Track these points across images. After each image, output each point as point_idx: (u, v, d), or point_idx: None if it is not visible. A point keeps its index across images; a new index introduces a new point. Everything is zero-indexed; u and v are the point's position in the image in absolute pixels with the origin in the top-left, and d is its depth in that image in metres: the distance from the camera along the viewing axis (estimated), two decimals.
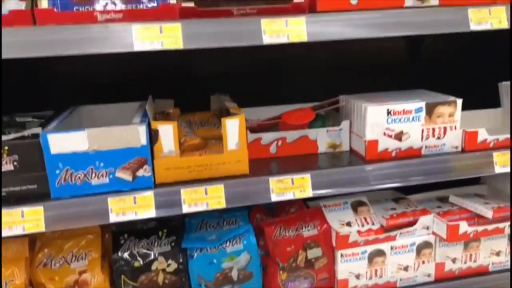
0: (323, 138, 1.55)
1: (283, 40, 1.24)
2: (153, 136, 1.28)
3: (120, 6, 1.18)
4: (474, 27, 1.34)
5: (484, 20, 1.35)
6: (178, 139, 1.34)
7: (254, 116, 1.69)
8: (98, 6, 1.17)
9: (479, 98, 1.70)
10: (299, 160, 1.50)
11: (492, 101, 1.77)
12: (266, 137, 1.51)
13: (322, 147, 1.56)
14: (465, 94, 1.59)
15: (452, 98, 1.48)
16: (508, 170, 1.49)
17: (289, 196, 1.34)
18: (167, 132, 1.28)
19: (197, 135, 1.46)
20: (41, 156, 1.22)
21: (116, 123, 1.28)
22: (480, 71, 1.96)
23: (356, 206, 1.59)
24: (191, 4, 1.22)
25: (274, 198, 1.33)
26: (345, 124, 1.55)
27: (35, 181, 1.24)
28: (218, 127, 1.52)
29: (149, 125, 1.29)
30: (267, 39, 1.23)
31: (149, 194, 1.27)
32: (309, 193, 1.36)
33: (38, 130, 1.27)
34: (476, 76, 1.91)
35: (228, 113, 1.41)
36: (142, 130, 1.25)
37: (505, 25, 1.36)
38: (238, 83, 1.83)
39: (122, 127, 1.25)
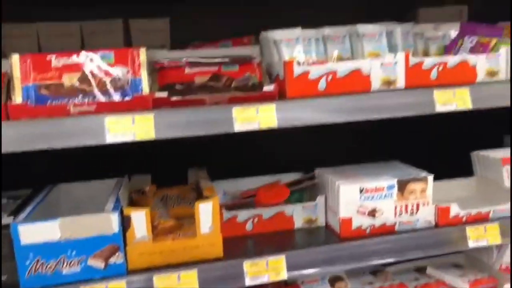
0: (299, 214, 1.56)
1: (254, 127, 1.27)
2: (125, 222, 1.29)
3: (93, 98, 1.21)
4: (439, 108, 1.39)
5: (449, 101, 1.40)
6: (152, 222, 1.34)
7: (233, 188, 1.70)
8: (72, 100, 1.20)
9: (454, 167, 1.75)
10: (275, 238, 1.50)
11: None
12: (242, 214, 1.52)
13: (298, 223, 1.56)
14: (441, 162, 1.64)
15: (423, 174, 1.51)
16: (482, 243, 1.51)
17: (263, 279, 1.34)
18: (140, 218, 1.29)
19: (172, 215, 1.46)
20: (11, 246, 1.21)
21: (93, 203, 1.28)
22: (455, 140, 2.01)
23: (333, 281, 1.58)
24: (164, 94, 1.25)
25: (248, 282, 1.32)
26: (320, 199, 1.57)
27: (5, 272, 1.23)
28: (193, 204, 1.53)
29: (122, 211, 1.30)
30: (238, 127, 1.26)
31: (121, 283, 1.26)
32: (284, 275, 1.35)
33: (9, 219, 1.27)
34: (450, 145, 1.97)
35: (201, 194, 1.43)
36: (114, 218, 1.26)
37: (469, 105, 1.41)
38: (216, 153, 1.86)
39: (95, 216, 1.25)
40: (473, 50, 1.53)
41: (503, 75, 1.49)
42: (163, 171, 1.71)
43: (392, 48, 1.51)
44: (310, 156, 1.82)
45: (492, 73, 1.48)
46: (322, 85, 1.34)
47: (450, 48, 1.58)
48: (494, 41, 1.52)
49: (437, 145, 2.09)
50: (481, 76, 1.47)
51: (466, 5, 2.08)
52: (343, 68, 1.35)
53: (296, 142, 1.92)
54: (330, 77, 1.34)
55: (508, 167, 1.65)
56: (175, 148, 1.85)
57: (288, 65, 1.32)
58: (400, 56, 1.39)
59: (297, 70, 1.31)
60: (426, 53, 1.62)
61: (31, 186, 1.62)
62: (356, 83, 1.36)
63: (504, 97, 1.45)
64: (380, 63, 1.37)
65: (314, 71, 1.33)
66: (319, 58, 1.46)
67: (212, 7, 2.12)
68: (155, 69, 1.36)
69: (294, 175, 1.73)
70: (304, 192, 1.68)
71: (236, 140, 1.92)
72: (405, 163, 1.66)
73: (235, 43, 1.63)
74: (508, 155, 1.67)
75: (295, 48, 1.41)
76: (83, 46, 1.97)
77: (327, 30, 1.49)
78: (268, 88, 1.30)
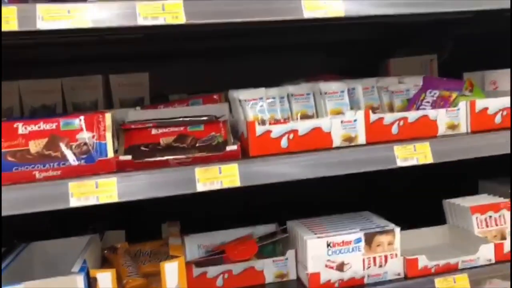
0: (270, 269, 1.57)
1: (217, 186, 1.30)
2: (92, 283, 1.30)
3: (59, 164, 1.25)
4: (400, 163, 1.42)
5: (410, 156, 1.43)
6: (120, 281, 1.36)
7: (208, 241, 1.71)
8: (38, 166, 1.24)
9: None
10: None
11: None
12: (212, 271, 1.53)
13: (269, 278, 1.57)
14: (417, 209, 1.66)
15: (390, 226, 1.53)
16: None
17: None
18: (106, 279, 1.30)
19: (142, 273, 1.48)
20: None
21: (65, 262, 1.29)
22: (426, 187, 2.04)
23: None
24: (128, 157, 1.29)
25: None
26: (290, 253, 1.58)
27: None
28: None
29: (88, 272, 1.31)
30: (201, 187, 1.29)
31: None
32: None
33: None
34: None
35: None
36: (80, 280, 1.27)
37: (430, 159, 1.44)
38: (193, 206, 1.88)
39: (60, 278, 1.27)
40: (434, 104, 1.58)
41: (463, 128, 1.53)
42: (139, 225, 1.74)
43: (355, 104, 1.55)
44: (286, 206, 1.85)
45: (452, 127, 1.52)
46: (284, 143, 1.38)
47: (412, 101, 1.63)
48: (454, 95, 1.58)
49: (414, 192, 2.11)
50: (442, 130, 1.51)
51: (436, 54, 2.15)
52: (304, 126, 1.39)
53: (272, 192, 1.94)
54: (291, 135, 1.38)
55: (478, 215, 1.67)
56: (151, 202, 1.89)
57: (250, 125, 1.36)
58: (360, 113, 1.43)
59: (259, 129, 1.36)
60: (390, 107, 1.67)
61: (6, 244, 1.64)
62: (318, 141, 1.40)
63: (465, 150, 1.49)
64: (340, 121, 1.42)
65: (276, 130, 1.37)
66: (284, 115, 1.50)
67: (189, 63, 2.21)
68: (122, 130, 1.40)
69: (269, 227, 1.74)
70: (277, 244, 1.69)
71: (213, 192, 1.96)
72: (376, 214, 1.68)
73: (205, 100, 1.68)
74: (478, 203, 1.69)
75: (260, 107, 1.46)
76: (64, 101, 2.04)
77: (291, 88, 1.54)
78: (231, 147, 1.34)
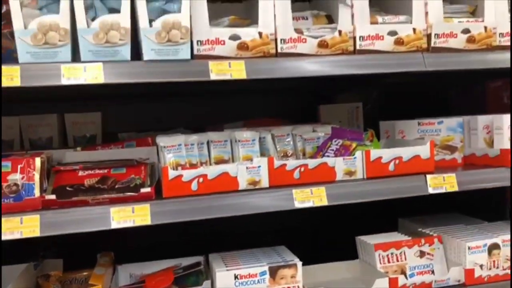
0: None
1: (129, 224, 1.49)
2: None
3: None
4: (298, 205, 1.61)
5: (307, 199, 1.63)
6: None
7: (139, 271, 1.88)
8: None
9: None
10: None
11: None
12: None
13: None
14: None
15: (294, 261, 1.71)
16: None
17: None
18: None
19: None
20: None
21: None
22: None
23: None
24: (53, 197, 1.48)
25: None
26: (207, 283, 1.75)
27: None
28: None
29: None
30: (115, 224, 1.48)
31: None
32: None
33: None
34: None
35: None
36: None
37: (325, 202, 1.63)
38: (128, 237, 2.05)
39: None
40: (337, 152, 1.78)
41: (360, 174, 1.73)
42: (79, 254, 1.91)
43: (266, 151, 1.76)
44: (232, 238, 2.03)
45: (350, 173, 1.72)
46: (194, 186, 1.57)
47: (320, 149, 1.83)
48: (354, 144, 1.78)
49: (342, 230, 2.30)
50: (340, 175, 1.71)
51: (361, 102, 2.38)
52: (212, 171, 1.59)
53: (219, 224, 2.13)
54: (201, 179, 1.58)
55: (381, 251, 1.86)
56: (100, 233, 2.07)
57: (163, 170, 1.56)
58: (263, 160, 1.64)
59: (171, 174, 1.55)
60: (303, 152, 1.87)
61: None
62: (225, 184, 1.60)
63: (360, 194, 1.69)
64: (245, 167, 1.62)
65: (186, 175, 1.57)
66: (202, 160, 1.70)
67: (138, 103, 2.42)
68: (53, 172, 1.59)
69: (195, 259, 1.92)
70: (201, 275, 1.86)
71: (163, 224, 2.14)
72: (290, 249, 1.86)
73: (139, 143, 1.87)
74: (382, 241, 1.88)
75: (178, 153, 1.66)
76: (21, 137, 2.23)
77: (211, 135, 1.74)
78: (145, 189, 1.53)
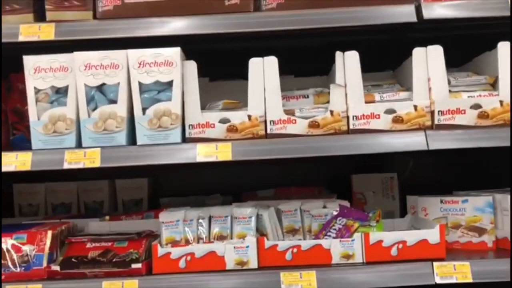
0: None
1: None
2: None
3: (5, 270, 1.64)
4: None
5: (295, 282, 1.59)
6: None
7: None
8: None
9: None
10: None
11: None
12: None
13: None
14: None
15: None
16: None
17: None
18: None
19: None
20: None
21: None
22: None
23: None
24: (57, 268, 1.64)
25: None
26: None
27: None
28: None
29: None
30: None
31: None
32: None
33: None
34: None
35: None
36: None
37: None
38: None
39: None
40: (338, 232, 1.72)
41: (359, 258, 1.64)
42: None
43: (263, 229, 1.76)
44: None
45: (347, 256, 1.64)
46: (182, 264, 1.63)
47: (324, 227, 1.78)
48: (356, 225, 1.71)
49: None
50: (336, 259, 1.64)
51: (395, 173, 2.26)
52: (200, 250, 1.64)
53: None
54: (189, 257, 1.63)
55: None
56: None
57: (154, 247, 1.64)
58: (251, 240, 1.64)
59: (160, 251, 1.64)
60: (310, 229, 1.83)
61: None
62: (212, 263, 1.63)
63: (356, 281, 1.60)
64: (233, 246, 1.64)
65: (175, 253, 1.63)
66: (201, 235, 1.76)
67: (183, 170, 2.57)
68: (66, 242, 1.77)
69: None
70: None
71: None
72: None
73: (156, 214, 1.99)
74: None
75: (175, 229, 1.73)
76: (79, 200, 2.51)
77: (213, 211, 1.80)
78: (136, 265, 1.63)
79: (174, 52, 1.62)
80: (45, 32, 1.62)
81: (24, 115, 1.82)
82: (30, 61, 1.63)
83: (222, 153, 1.60)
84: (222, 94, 1.77)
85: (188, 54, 1.73)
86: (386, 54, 2.05)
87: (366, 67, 1.68)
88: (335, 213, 1.84)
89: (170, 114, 1.61)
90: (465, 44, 1.89)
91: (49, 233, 1.71)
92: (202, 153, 1.61)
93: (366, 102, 1.64)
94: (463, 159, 2.18)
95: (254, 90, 1.65)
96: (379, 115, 1.62)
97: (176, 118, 1.61)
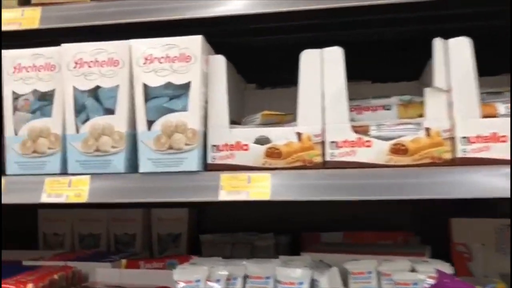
0: None
1: None
2: None
3: None
4: None
5: None
6: None
7: None
8: None
9: None
10: None
11: None
12: None
13: None
14: None
15: None
16: None
17: None
18: None
19: None
20: None
21: None
22: None
23: None
24: None
25: None
26: None
27: None
28: None
29: None
30: None
31: None
32: None
33: None
34: None
35: None
36: None
37: None
38: None
39: None
40: None
41: None
42: None
43: None
44: None
45: None
46: None
47: None
48: None
49: None
50: None
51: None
52: None
53: None
54: None
55: None
56: None
57: None
58: None
59: None
60: None
61: None
62: None
63: None
64: None
65: None
66: None
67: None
68: None
69: None
70: None
71: None
72: None
73: (180, 260, 1.52)
74: None
75: None
76: (109, 232, 2.11)
77: (250, 268, 1.28)
78: None
79: (193, 41, 1.13)
80: (29, 18, 1.20)
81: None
82: (8, 57, 1.22)
83: (257, 188, 1.08)
84: (273, 106, 1.25)
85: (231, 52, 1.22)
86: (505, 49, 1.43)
87: (479, 68, 1.09)
88: (429, 282, 1.24)
89: (185, 130, 1.12)
90: None
91: (30, 286, 1.28)
92: (227, 188, 1.09)
93: (484, 117, 1.04)
94: None
95: (307, 96, 1.11)
96: (505, 137, 1.01)
97: (193, 136, 1.12)
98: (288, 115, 1.17)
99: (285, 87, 1.41)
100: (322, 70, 1.11)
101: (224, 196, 1.08)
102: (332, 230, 1.83)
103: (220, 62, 1.16)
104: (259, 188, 1.07)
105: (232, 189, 1.08)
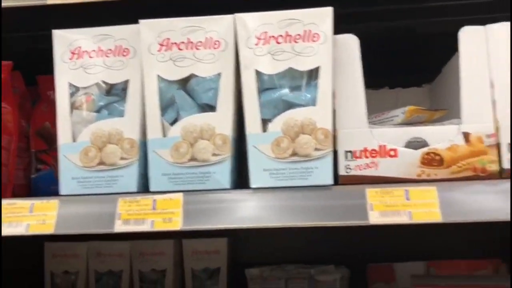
0: None
1: None
2: None
3: None
4: None
5: None
6: None
7: None
8: None
9: None
10: None
11: None
12: None
13: None
14: None
15: None
16: None
17: None
18: None
19: None
20: None
21: None
22: None
23: None
24: None
25: None
26: None
27: None
28: None
29: None
30: None
31: None
32: None
33: None
34: None
35: None
36: None
37: None
38: None
39: None
40: None
41: None
42: None
43: None
44: None
45: None
46: None
47: None
48: None
49: None
50: None
51: None
52: None
53: None
54: None
55: None
56: None
57: None
58: None
59: None
60: None
61: None
62: None
63: None
64: None
65: None
66: None
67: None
68: None
69: None
70: None
71: None
72: None
73: None
74: None
75: None
76: (132, 268, 1.77)
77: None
78: None
79: (322, 15, 0.87)
80: None
81: (55, 140, 1.10)
82: (63, 38, 0.92)
83: (419, 208, 0.80)
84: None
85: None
86: None
87: None
88: None
89: (315, 130, 0.84)
90: None
91: None
92: (379, 207, 0.81)
93: None
94: None
95: (473, 85, 0.86)
96: None
97: (325, 138, 0.84)
98: (438, 111, 0.91)
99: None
100: (488, 49, 0.87)
101: (375, 218, 0.80)
102: (408, 258, 1.56)
103: (352, 43, 0.89)
104: (422, 206, 0.80)
105: (387, 208, 0.80)
